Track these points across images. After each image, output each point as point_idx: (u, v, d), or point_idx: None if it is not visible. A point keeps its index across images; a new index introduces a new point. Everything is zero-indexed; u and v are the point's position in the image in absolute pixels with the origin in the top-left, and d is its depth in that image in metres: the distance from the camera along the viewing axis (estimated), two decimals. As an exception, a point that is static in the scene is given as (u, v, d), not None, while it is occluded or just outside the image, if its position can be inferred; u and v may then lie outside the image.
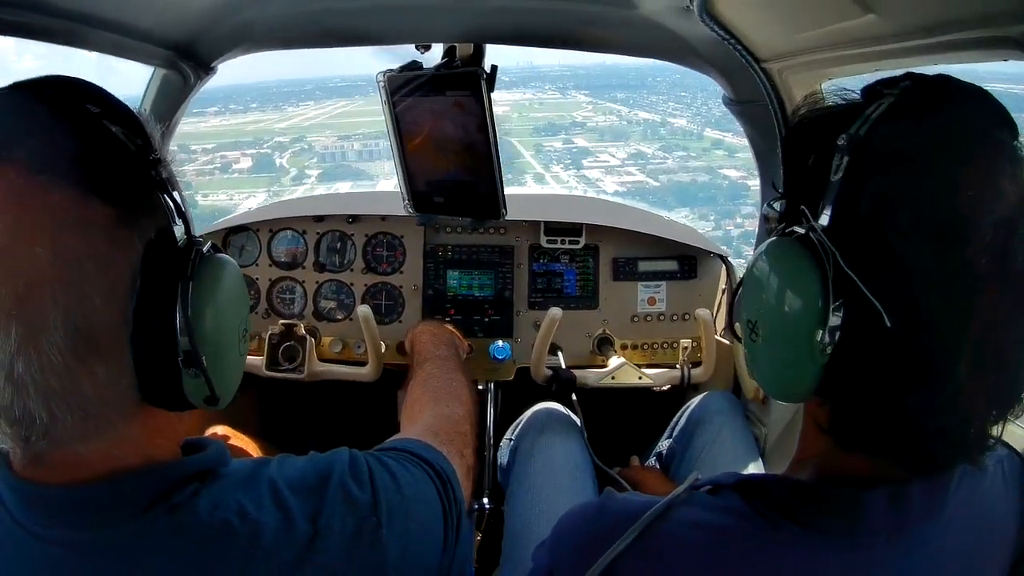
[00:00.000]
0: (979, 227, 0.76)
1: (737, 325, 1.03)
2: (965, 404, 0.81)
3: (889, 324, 0.78)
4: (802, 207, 0.87)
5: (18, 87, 0.84)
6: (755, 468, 2.10)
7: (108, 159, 0.83)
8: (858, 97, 0.88)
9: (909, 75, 0.86)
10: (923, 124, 0.82)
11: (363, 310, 2.25)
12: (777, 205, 0.98)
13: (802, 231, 0.87)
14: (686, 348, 2.48)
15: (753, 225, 2.72)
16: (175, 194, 0.89)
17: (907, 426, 0.84)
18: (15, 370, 0.76)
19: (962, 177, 0.78)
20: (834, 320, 0.82)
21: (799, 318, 0.85)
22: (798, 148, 0.94)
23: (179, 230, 0.88)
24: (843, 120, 0.85)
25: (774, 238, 0.93)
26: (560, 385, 2.33)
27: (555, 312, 2.21)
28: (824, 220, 0.84)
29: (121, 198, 0.82)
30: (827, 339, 0.82)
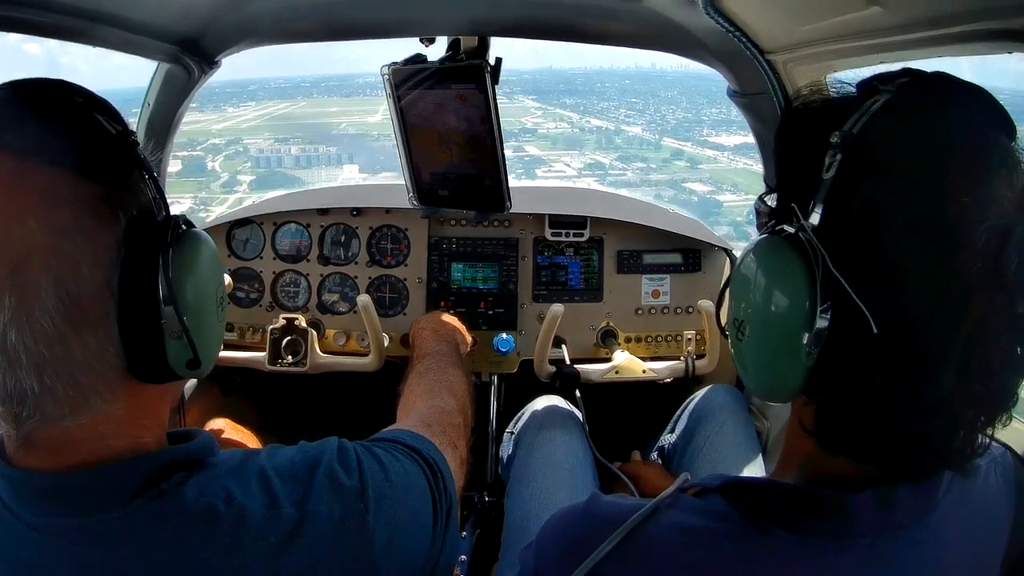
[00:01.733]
0: (973, 233, 0.75)
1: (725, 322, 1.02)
2: (952, 411, 0.81)
3: (876, 330, 0.77)
4: (792, 205, 0.86)
5: (9, 84, 0.91)
6: (757, 463, 2.10)
7: (92, 142, 0.89)
8: (853, 91, 0.87)
9: (906, 71, 0.85)
10: (919, 124, 0.81)
11: (363, 299, 2.26)
12: (769, 200, 0.97)
13: (792, 230, 0.86)
14: (690, 340, 2.48)
15: (736, 245, 2.74)
16: (153, 174, 0.95)
17: (892, 431, 0.83)
18: (8, 339, 0.80)
19: (957, 181, 0.77)
20: (821, 322, 0.81)
21: (786, 319, 0.84)
22: (791, 142, 0.93)
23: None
24: (837, 115, 0.84)
25: (764, 236, 0.91)
26: (564, 382, 2.34)
27: (557, 308, 2.22)
28: (814, 219, 0.83)
29: (105, 177, 0.88)
30: (813, 341, 0.82)
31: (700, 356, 2.43)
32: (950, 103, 0.82)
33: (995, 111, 0.82)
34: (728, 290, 1.00)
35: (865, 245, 0.79)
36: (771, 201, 0.96)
